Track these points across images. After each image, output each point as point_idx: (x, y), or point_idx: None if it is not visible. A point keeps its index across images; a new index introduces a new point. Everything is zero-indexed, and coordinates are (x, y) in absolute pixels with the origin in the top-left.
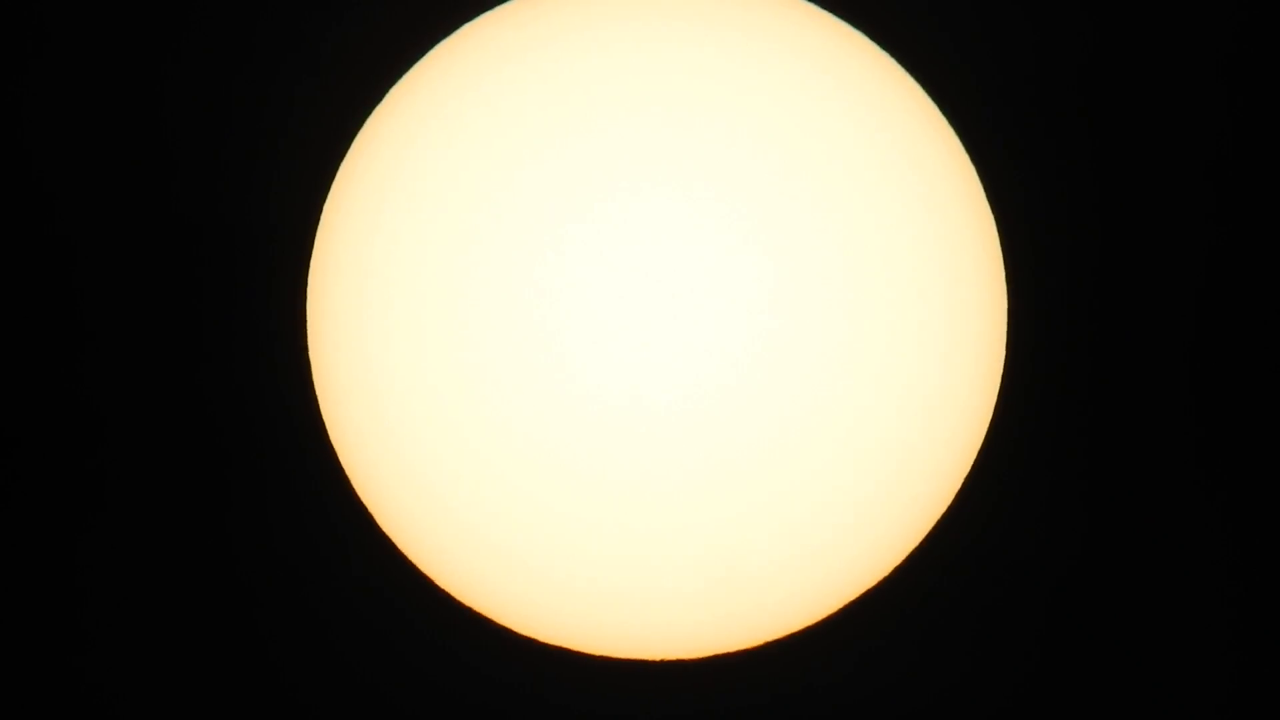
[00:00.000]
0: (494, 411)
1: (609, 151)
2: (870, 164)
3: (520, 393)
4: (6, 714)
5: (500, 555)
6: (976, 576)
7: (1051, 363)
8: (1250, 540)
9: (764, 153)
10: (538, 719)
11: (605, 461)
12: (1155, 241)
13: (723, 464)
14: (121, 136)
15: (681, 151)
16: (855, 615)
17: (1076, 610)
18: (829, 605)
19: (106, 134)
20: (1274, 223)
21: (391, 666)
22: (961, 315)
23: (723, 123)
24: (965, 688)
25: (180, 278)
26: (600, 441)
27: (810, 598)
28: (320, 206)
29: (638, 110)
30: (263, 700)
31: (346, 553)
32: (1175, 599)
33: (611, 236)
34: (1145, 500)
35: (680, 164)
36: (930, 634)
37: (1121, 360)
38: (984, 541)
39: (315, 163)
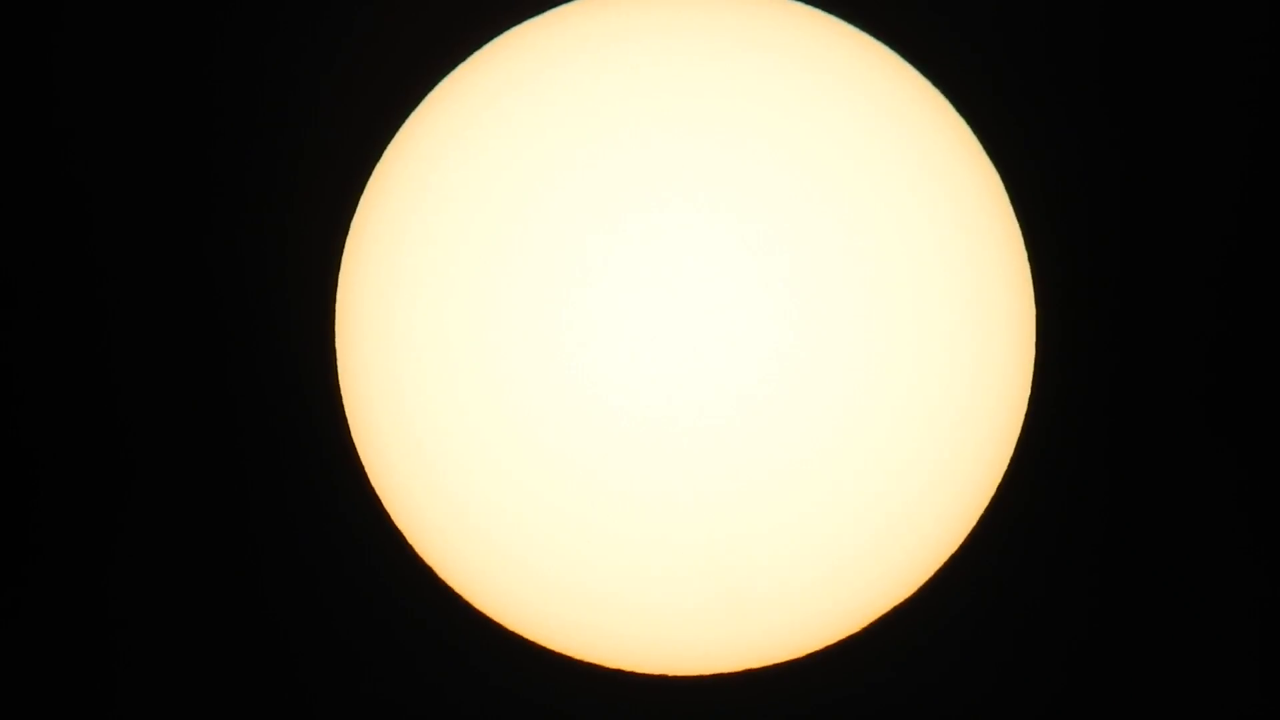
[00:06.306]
0: (524, 428)
1: (633, 167)
2: (897, 178)
3: (548, 408)
4: (26, 706)
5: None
6: (1005, 592)
7: (1081, 374)
8: None
9: (789, 166)
10: None
11: (631, 475)
12: (1182, 242)
13: (749, 478)
14: (144, 149)
15: (706, 165)
16: (884, 631)
17: (1107, 630)
18: (857, 621)
19: (132, 146)
20: None
21: (423, 685)
22: (989, 326)
23: (748, 136)
24: (993, 705)
25: (204, 292)
26: (625, 455)
27: (838, 614)
28: (347, 223)
29: (661, 125)
30: (281, 708)
31: (376, 570)
32: (1211, 610)
33: (635, 251)
34: (1177, 511)
35: (705, 178)
36: (959, 650)
37: (1152, 369)
38: (1012, 556)
39: (341, 179)
